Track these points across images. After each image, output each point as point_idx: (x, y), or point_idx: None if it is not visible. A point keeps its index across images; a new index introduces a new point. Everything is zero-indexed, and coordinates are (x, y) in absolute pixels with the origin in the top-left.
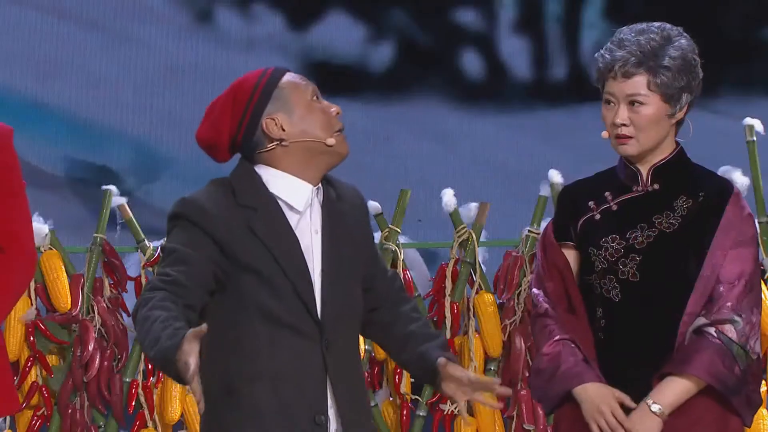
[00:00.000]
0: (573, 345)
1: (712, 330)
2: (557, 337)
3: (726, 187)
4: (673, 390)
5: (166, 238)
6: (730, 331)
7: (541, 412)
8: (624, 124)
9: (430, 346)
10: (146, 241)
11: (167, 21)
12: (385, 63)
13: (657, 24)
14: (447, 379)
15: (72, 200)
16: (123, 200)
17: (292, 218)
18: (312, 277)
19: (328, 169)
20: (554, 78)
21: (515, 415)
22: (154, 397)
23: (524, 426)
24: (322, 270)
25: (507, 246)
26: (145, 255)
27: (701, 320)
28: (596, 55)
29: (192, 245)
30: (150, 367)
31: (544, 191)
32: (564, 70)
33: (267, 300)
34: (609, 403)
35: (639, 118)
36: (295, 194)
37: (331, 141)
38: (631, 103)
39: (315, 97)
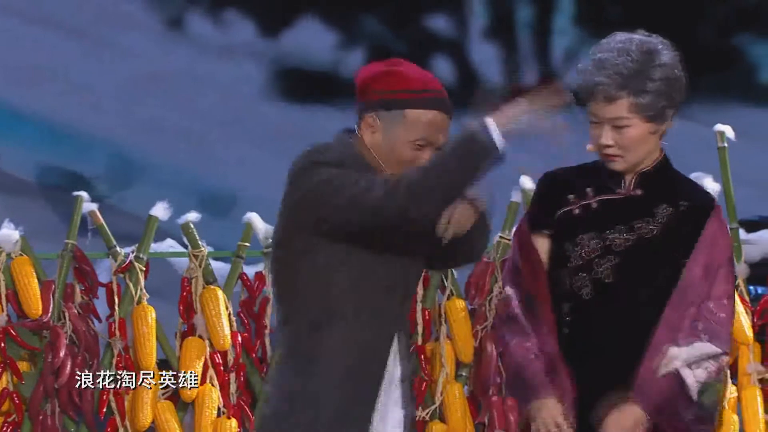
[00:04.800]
0: (535, 354)
1: (702, 375)
2: (527, 343)
3: (708, 200)
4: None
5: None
6: (719, 368)
7: (512, 418)
8: (609, 146)
9: None
10: (117, 248)
11: (145, 28)
12: (357, 69)
13: (637, 39)
14: None
15: (43, 206)
16: (94, 206)
17: None
18: None
19: None
20: (526, 84)
21: (486, 421)
22: (126, 403)
23: None
24: None
25: None
26: (116, 261)
27: (708, 347)
28: (576, 72)
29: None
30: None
31: (516, 197)
32: (535, 77)
33: None
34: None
35: (623, 140)
36: None
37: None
38: (615, 125)
39: (420, 144)
